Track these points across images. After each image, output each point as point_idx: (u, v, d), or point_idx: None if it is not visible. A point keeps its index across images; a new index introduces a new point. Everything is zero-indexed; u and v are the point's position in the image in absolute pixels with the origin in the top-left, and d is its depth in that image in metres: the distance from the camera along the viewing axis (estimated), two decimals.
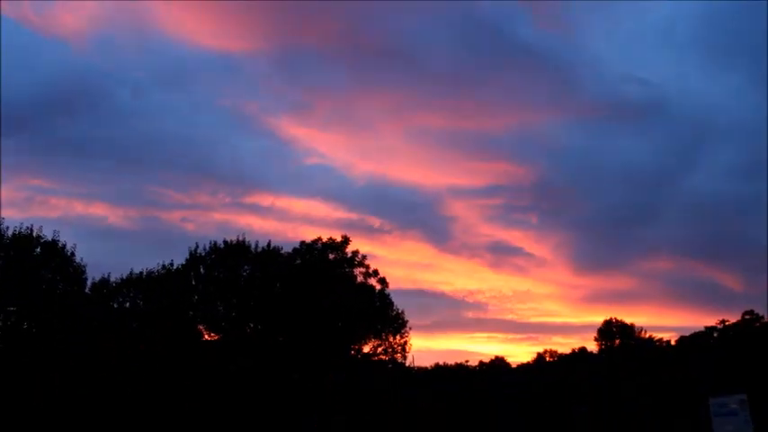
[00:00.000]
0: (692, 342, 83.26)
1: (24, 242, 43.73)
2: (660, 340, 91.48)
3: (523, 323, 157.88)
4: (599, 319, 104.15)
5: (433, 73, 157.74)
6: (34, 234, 44.36)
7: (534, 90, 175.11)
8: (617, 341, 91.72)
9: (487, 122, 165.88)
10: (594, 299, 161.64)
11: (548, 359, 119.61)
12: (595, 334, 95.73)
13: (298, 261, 55.01)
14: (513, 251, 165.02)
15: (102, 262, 69.36)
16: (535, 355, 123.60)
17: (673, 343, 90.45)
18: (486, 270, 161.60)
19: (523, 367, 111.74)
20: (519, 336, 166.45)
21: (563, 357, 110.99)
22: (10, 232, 43.35)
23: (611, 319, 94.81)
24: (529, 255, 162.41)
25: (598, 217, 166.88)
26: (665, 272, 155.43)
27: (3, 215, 44.07)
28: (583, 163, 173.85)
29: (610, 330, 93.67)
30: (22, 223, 44.74)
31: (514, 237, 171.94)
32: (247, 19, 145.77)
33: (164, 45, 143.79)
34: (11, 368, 40.94)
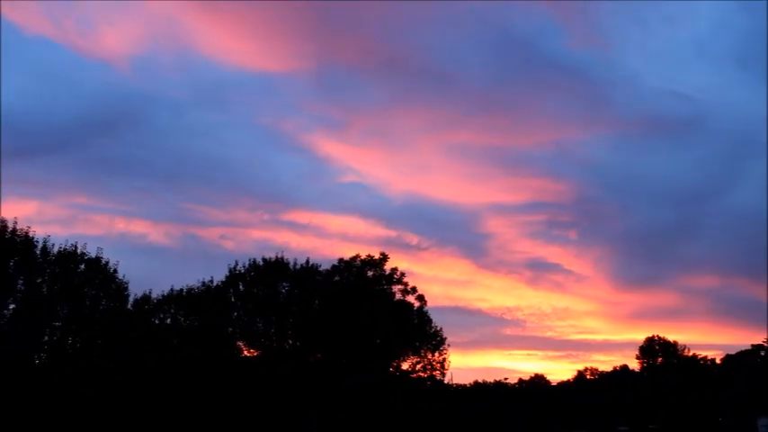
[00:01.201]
0: (739, 360, 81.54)
1: (69, 259, 44.50)
2: (704, 358, 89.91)
3: (563, 340, 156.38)
4: (641, 336, 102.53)
5: (469, 90, 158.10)
6: (78, 251, 45.13)
7: (571, 106, 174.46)
8: (659, 359, 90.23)
9: (525, 139, 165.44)
10: (636, 316, 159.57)
11: (588, 377, 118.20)
12: (637, 352, 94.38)
13: (336, 278, 55.20)
14: (552, 267, 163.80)
15: (143, 278, 70.25)
16: (575, 373, 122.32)
17: (718, 361, 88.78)
18: (524, 287, 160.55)
19: (564, 385, 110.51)
20: (558, 353, 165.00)
21: (604, 375, 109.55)
22: (56, 249, 44.18)
23: (653, 336, 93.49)
24: (568, 271, 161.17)
25: (638, 232, 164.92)
26: (710, 288, 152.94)
27: (49, 233, 44.65)
28: (622, 178, 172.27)
29: (652, 348, 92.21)
30: (66, 240, 45.58)
31: (553, 253, 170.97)
32: (285, 39, 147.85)
33: (203, 66, 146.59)
34: (57, 382, 41.64)
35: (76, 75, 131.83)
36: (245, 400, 46.92)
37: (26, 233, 43.01)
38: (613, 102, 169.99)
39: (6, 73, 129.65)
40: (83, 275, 45.02)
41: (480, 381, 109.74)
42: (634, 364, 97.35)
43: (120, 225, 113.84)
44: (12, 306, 42.06)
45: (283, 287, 52.58)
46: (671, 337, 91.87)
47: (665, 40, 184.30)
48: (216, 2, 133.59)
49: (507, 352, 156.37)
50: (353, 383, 50.11)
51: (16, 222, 42.89)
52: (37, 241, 43.40)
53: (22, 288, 42.44)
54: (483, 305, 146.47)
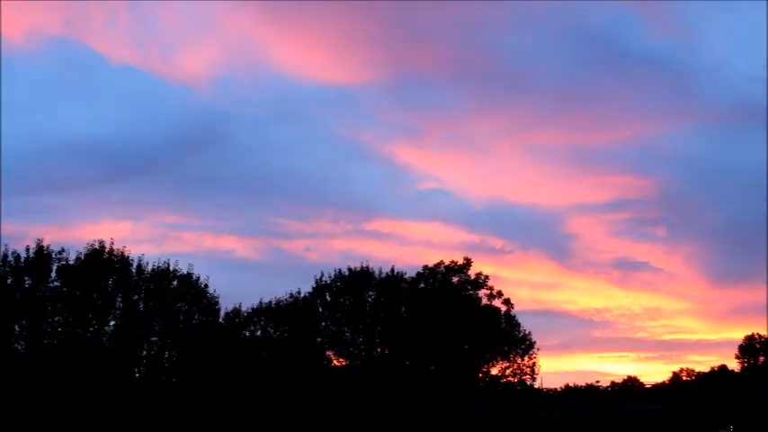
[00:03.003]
0: None
1: (163, 276, 46.03)
2: None
3: (655, 341, 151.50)
4: (739, 334, 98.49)
5: (546, 89, 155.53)
6: (171, 268, 46.63)
7: (654, 99, 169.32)
8: (761, 358, 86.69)
9: (606, 136, 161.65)
10: (732, 313, 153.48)
11: (684, 378, 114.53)
12: (736, 351, 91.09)
13: (421, 285, 55.20)
14: (641, 266, 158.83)
15: (233, 292, 72.10)
16: (671, 375, 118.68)
17: None
18: (612, 287, 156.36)
19: (659, 387, 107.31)
20: (651, 354, 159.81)
21: (701, 376, 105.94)
22: (150, 267, 45.78)
23: (753, 334, 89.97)
24: (658, 269, 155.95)
25: (731, 226, 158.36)
26: None
27: (142, 251, 46.39)
28: (710, 170, 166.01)
29: (752, 346, 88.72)
30: (159, 258, 47.22)
31: (641, 251, 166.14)
32: (359, 51, 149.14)
33: (280, 82, 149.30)
34: (154, 395, 43.02)
35: (160, 99, 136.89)
36: (335, 408, 47.37)
37: (122, 253, 44.82)
38: (699, 92, 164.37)
39: (98, 103, 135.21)
40: (176, 292, 46.51)
41: (571, 384, 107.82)
42: (733, 364, 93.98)
43: (209, 241, 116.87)
44: (112, 323, 43.81)
45: (369, 296, 52.99)
46: None
47: (752, 23, 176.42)
48: (290, 18, 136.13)
49: (598, 354, 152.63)
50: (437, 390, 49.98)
51: (113, 243, 44.79)
52: (132, 260, 45.22)
53: (120, 305, 44.14)
54: (571, 307, 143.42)
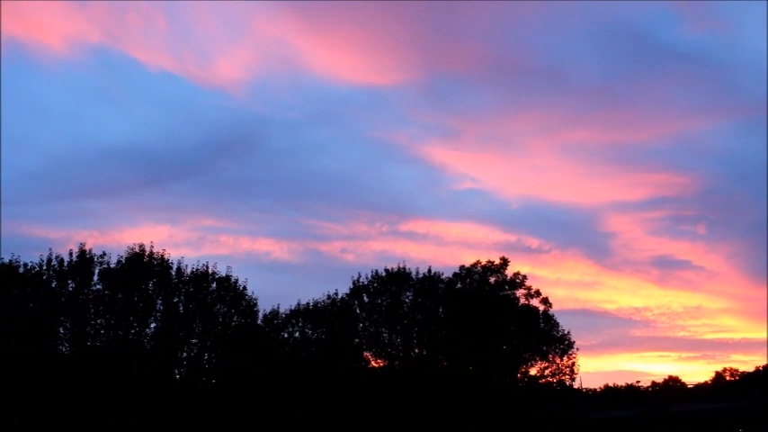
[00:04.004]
0: None
1: (202, 279, 46.62)
2: None
3: (697, 340, 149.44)
4: None
5: (582, 87, 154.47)
6: (209, 271, 47.22)
7: (691, 95, 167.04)
8: None
9: (643, 133, 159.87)
10: None
11: (728, 378, 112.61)
12: None
13: (458, 285, 55.04)
14: (681, 264, 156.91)
15: (271, 294, 72.71)
16: (713, 375, 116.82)
17: None
18: (651, 286, 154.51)
19: (701, 387, 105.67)
20: (693, 354, 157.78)
21: (745, 376, 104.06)
22: (189, 270, 46.43)
23: None
24: (698, 267, 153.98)
25: None
26: None
27: (181, 254, 47.09)
28: (751, 167, 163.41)
29: None
30: (198, 261, 47.93)
31: (681, 249, 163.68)
32: (392, 52, 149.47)
33: (314, 84, 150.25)
34: (194, 396, 43.54)
35: (197, 104, 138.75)
36: (374, 409, 47.47)
37: (162, 256, 45.53)
38: (737, 87, 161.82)
39: (136, 109, 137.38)
40: (214, 294, 47.09)
41: (611, 384, 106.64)
42: None
43: (246, 244, 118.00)
44: (153, 325, 44.48)
45: (406, 297, 53.01)
46: None
47: None
48: (323, 22, 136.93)
49: (638, 354, 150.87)
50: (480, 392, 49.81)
51: (153, 247, 45.54)
52: (172, 263, 45.98)
53: (161, 308, 44.80)
54: (610, 306, 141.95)
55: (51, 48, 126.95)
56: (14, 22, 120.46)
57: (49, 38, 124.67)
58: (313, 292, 72.79)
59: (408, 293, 53.30)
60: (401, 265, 53.84)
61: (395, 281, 53.14)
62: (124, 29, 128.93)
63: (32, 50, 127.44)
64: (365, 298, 52.97)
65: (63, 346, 43.40)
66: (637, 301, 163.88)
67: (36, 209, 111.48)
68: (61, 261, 43.40)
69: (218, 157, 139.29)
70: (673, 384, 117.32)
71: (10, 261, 42.28)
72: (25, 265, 42.75)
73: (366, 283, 53.32)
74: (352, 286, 53.31)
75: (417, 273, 53.80)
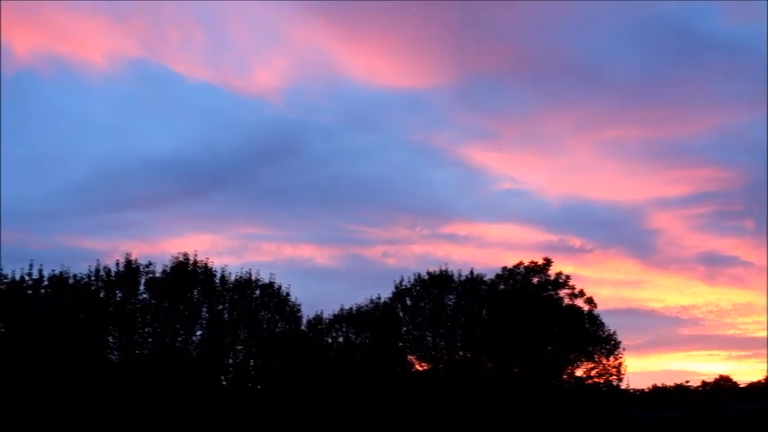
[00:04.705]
0: None
1: (245, 286, 47.19)
2: None
3: (748, 338, 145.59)
4: None
5: (620, 84, 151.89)
6: (253, 278, 47.77)
7: (733, 87, 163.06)
8: None
9: (685, 128, 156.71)
10: None
11: None
12: None
13: (501, 286, 54.73)
14: (729, 261, 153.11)
15: (314, 299, 73.19)
16: (766, 374, 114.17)
17: None
18: (699, 283, 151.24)
19: (754, 386, 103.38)
20: (744, 352, 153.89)
21: None
22: (232, 278, 47.02)
23: None
24: (747, 263, 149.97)
25: None
26: None
27: (224, 262, 47.77)
28: None
29: None
30: (241, 268, 48.52)
31: (728, 245, 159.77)
32: (429, 55, 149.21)
33: (351, 90, 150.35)
34: (243, 402, 44.04)
35: (235, 113, 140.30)
36: (419, 413, 47.47)
37: (206, 265, 46.18)
38: None
39: (177, 120, 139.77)
40: (258, 301, 47.60)
41: (659, 385, 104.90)
42: None
43: (287, 251, 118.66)
44: (198, 333, 45.13)
45: (449, 299, 52.91)
46: None
47: None
48: (357, 26, 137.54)
49: (686, 353, 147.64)
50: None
51: (196, 255, 46.20)
52: (215, 272, 46.55)
53: (206, 316, 45.43)
54: (656, 305, 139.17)
55: (94, 64, 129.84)
56: (59, 41, 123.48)
57: (91, 55, 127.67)
58: (356, 296, 73.03)
59: (451, 296, 53.18)
60: (443, 268, 53.78)
61: (437, 284, 53.06)
62: (163, 43, 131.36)
63: (76, 68, 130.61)
64: (408, 301, 52.97)
65: (113, 354, 44.28)
66: (684, 300, 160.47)
67: (83, 221, 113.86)
68: (108, 271, 44.25)
69: (257, 164, 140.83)
70: (724, 384, 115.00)
71: (61, 273, 43.27)
72: (75, 276, 43.68)
73: (408, 286, 53.31)
74: (394, 290, 53.38)
75: (459, 275, 53.67)
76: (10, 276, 42.34)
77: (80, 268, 44.63)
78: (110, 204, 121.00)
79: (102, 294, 44.21)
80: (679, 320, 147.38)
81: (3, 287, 42.25)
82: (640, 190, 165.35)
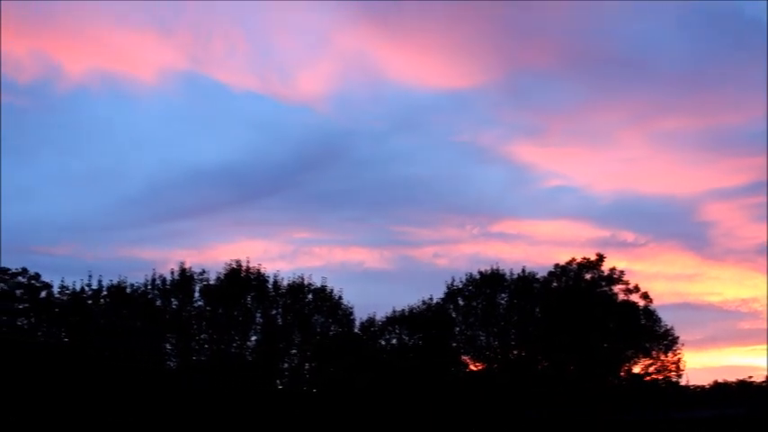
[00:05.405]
0: None
1: (298, 291, 47.62)
2: None
3: None
4: None
5: (669, 73, 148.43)
6: (305, 282, 48.18)
7: None
8: None
9: (739, 116, 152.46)
10: None
11: None
12: None
13: (554, 284, 54.20)
14: None
15: (366, 302, 73.36)
16: None
17: None
18: (758, 275, 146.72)
19: None
20: None
21: None
22: (285, 283, 47.51)
23: None
24: None
25: None
26: None
27: (277, 268, 48.36)
28: None
29: None
30: (294, 273, 49.02)
31: None
32: (472, 55, 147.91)
33: (395, 93, 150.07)
34: (298, 406, 44.42)
35: (282, 120, 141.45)
36: (474, 414, 47.29)
37: (258, 271, 46.75)
38: None
39: (225, 130, 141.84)
40: (311, 305, 47.98)
41: (721, 381, 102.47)
42: None
43: (338, 254, 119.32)
44: (253, 338, 45.70)
45: (502, 298, 52.59)
46: None
47: None
48: (399, 28, 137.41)
49: (748, 347, 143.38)
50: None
51: (249, 262, 46.82)
52: (268, 277, 47.08)
53: (260, 321, 45.98)
54: (714, 299, 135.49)
55: (142, 79, 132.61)
56: (109, 58, 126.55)
57: (140, 70, 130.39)
58: (408, 298, 73.03)
59: (503, 295, 52.86)
60: (494, 267, 53.44)
61: (489, 283, 52.77)
62: (209, 54, 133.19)
63: (126, 83, 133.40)
64: (460, 301, 52.81)
65: (171, 361, 45.13)
66: (743, 292, 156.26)
67: (138, 232, 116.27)
68: (164, 280, 45.17)
69: (306, 170, 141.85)
70: None
71: (118, 282, 44.35)
72: (132, 285, 44.75)
73: (460, 286, 53.13)
74: (446, 290, 53.21)
75: (511, 273, 53.27)
76: (71, 288, 43.57)
77: (137, 278, 45.74)
78: (163, 215, 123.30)
79: (158, 303, 45.12)
80: (739, 314, 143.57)
81: (65, 298, 43.47)
82: (694, 181, 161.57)
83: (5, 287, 43.64)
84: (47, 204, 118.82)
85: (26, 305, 43.55)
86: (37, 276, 44.37)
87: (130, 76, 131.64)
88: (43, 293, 44.03)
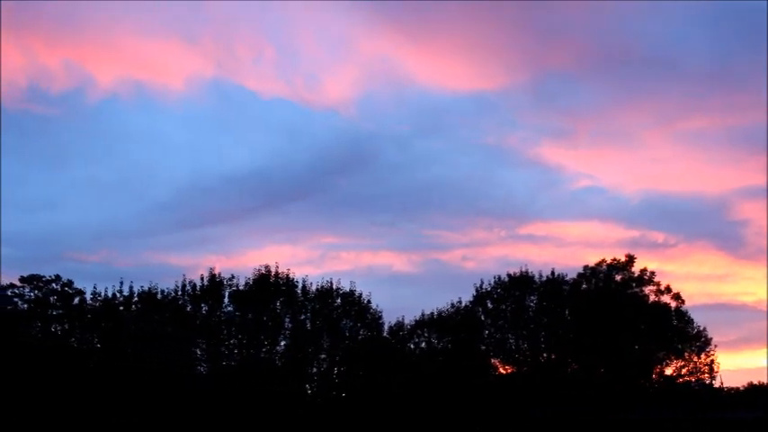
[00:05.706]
0: None
1: (327, 295, 47.81)
2: None
3: None
4: None
5: (696, 72, 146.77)
6: (334, 287, 48.35)
7: None
8: None
9: (765, 114, 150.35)
10: None
11: None
12: None
13: (583, 286, 53.77)
14: None
15: (394, 306, 73.52)
16: None
17: None
18: None
19: None
20: None
21: None
22: (314, 287, 47.74)
23: None
24: None
25: None
26: None
27: (305, 273, 48.63)
28: None
29: None
30: (322, 278, 49.25)
31: None
32: (497, 57, 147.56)
33: (421, 96, 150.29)
34: (328, 410, 44.61)
35: (308, 125, 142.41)
36: (503, 416, 47.11)
37: (287, 276, 47.01)
38: None
39: (252, 136, 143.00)
40: (340, 309, 48.14)
41: (756, 383, 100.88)
42: None
43: (366, 259, 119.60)
44: (282, 343, 45.98)
45: (531, 301, 52.31)
46: None
47: None
48: (423, 32, 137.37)
49: None
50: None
51: (278, 267, 47.13)
52: (297, 282, 47.38)
53: (289, 326, 46.25)
54: (747, 299, 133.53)
55: (171, 87, 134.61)
56: (137, 67, 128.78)
57: (168, 78, 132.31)
58: (436, 301, 73.11)
59: (532, 297, 52.58)
60: (523, 269, 53.23)
61: (518, 285, 52.53)
62: (235, 61, 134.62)
63: (155, 92, 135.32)
64: (489, 304, 52.63)
65: (202, 366, 45.56)
66: None
67: (167, 238, 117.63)
68: (194, 286, 45.66)
69: (332, 175, 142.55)
70: None
71: (149, 288, 44.97)
72: (162, 291, 45.36)
73: (489, 289, 52.97)
74: (475, 293, 53.09)
75: (540, 276, 53.01)
76: (103, 294, 44.25)
77: (167, 284, 46.36)
78: (192, 221, 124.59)
79: (188, 308, 45.60)
80: None
81: (98, 305, 44.14)
82: (724, 180, 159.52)
83: (40, 294, 44.49)
84: (79, 212, 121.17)
85: (60, 312, 44.36)
86: (70, 283, 45.26)
87: (159, 84, 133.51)
88: (76, 300, 44.89)
